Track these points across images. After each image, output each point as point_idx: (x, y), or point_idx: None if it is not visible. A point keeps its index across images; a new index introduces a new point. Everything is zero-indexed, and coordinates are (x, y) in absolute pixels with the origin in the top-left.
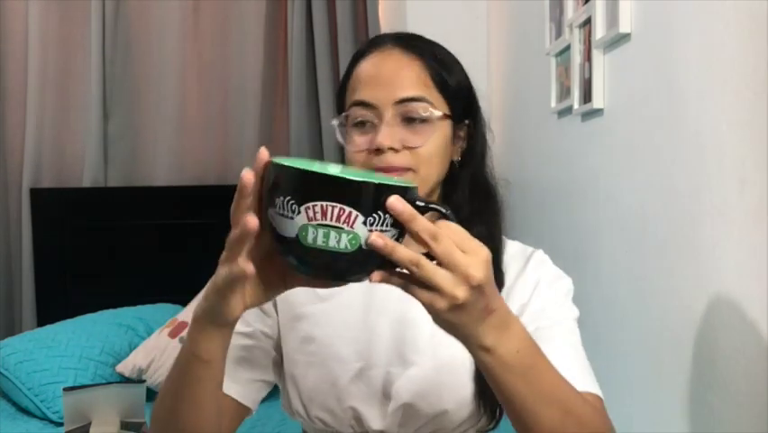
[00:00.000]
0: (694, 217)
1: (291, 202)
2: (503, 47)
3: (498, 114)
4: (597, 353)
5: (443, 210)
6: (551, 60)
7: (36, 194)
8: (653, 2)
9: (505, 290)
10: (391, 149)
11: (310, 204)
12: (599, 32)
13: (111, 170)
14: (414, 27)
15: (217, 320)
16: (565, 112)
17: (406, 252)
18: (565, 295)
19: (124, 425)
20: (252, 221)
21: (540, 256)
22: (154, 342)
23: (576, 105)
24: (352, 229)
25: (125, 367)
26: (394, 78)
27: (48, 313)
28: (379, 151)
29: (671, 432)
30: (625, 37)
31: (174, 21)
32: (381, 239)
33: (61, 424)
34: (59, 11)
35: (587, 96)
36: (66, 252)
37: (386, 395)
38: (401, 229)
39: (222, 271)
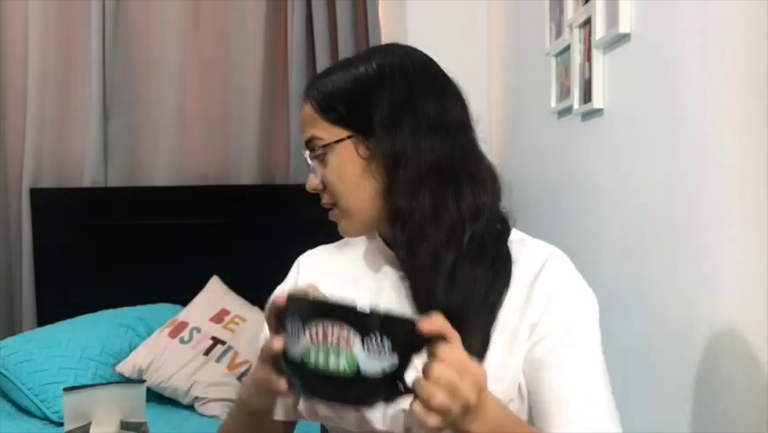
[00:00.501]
0: (694, 217)
1: (298, 325)
2: (503, 47)
3: (498, 114)
4: None
5: (443, 336)
6: (551, 60)
7: (36, 194)
8: (653, 2)
9: (518, 302)
10: (316, 190)
11: (313, 324)
12: (599, 32)
13: (111, 170)
14: (414, 27)
15: (257, 409)
16: (565, 112)
17: None
18: (583, 316)
19: (124, 425)
20: (282, 384)
21: (556, 267)
22: (154, 342)
23: (576, 106)
24: (350, 352)
25: (125, 367)
26: (301, 128)
27: (48, 313)
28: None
29: (670, 432)
30: (625, 37)
31: (174, 21)
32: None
33: (61, 424)
34: (59, 11)
35: (587, 96)
36: (66, 252)
37: None
38: (401, 355)
39: (257, 374)
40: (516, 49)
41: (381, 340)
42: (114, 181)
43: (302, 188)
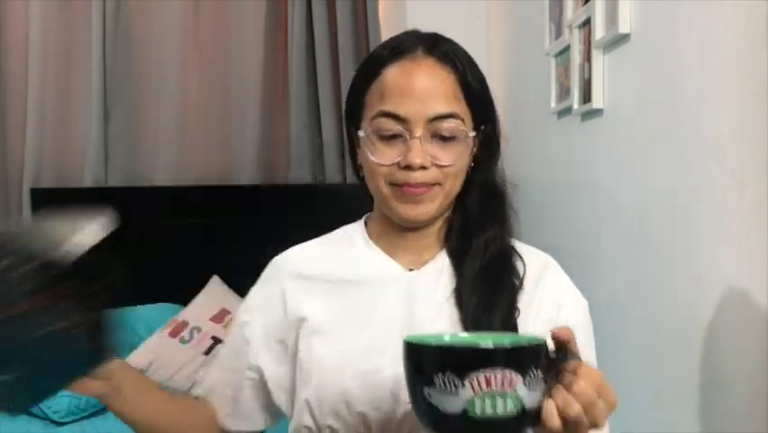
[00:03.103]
0: (694, 217)
1: (452, 377)
2: (503, 47)
3: (498, 114)
4: (597, 353)
5: (576, 355)
6: (550, 61)
7: (36, 194)
8: (653, 2)
9: (525, 299)
10: (422, 167)
11: (473, 375)
12: (599, 32)
13: (111, 170)
14: (414, 27)
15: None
16: (565, 112)
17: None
18: (589, 327)
19: None
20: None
21: (557, 274)
22: (155, 342)
23: (576, 106)
24: (515, 393)
25: None
26: (428, 93)
27: None
28: (408, 167)
29: (671, 432)
30: (624, 37)
31: (174, 21)
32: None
33: (62, 424)
34: (59, 11)
35: (586, 96)
36: None
37: (395, 398)
38: (545, 380)
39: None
40: (515, 49)
41: (536, 372)
42: (115, 181)
43: (302, 188)
